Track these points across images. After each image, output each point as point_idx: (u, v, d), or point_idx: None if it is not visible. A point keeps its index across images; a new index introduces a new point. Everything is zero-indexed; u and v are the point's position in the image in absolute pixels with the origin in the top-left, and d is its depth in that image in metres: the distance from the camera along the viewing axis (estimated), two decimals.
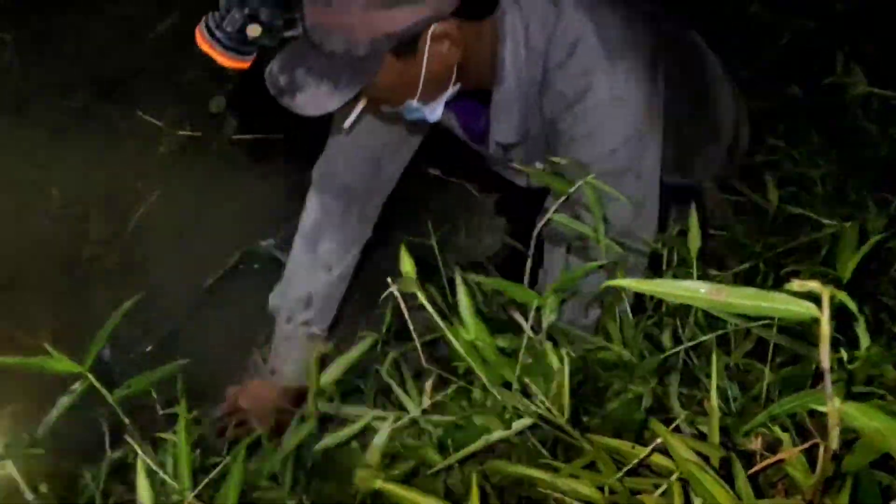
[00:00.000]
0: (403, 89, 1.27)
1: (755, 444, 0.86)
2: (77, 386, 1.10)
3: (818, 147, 1.59)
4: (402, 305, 0.95)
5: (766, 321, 1.02)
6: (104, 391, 1.07)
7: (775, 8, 1.94)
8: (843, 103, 1.62)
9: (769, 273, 1.32)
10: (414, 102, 1.30)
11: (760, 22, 1.94)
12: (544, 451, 0.86)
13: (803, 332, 1.07)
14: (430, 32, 1.19)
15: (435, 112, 1.34)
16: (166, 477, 0.96)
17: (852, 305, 0.48)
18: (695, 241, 1.21)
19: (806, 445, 0.66)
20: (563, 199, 1.10)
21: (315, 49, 1.18)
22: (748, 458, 0.78)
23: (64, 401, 1.13)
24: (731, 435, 0.89)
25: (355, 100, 1.24)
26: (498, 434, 0.80)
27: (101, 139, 2.20)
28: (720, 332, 1.05)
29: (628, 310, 1.21)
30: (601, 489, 0.69)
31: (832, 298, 0.43)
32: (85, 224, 2.07)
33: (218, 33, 1.17)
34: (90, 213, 2.08)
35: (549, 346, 0.96)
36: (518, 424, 0.79)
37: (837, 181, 1.54)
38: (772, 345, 1.02)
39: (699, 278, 1.16)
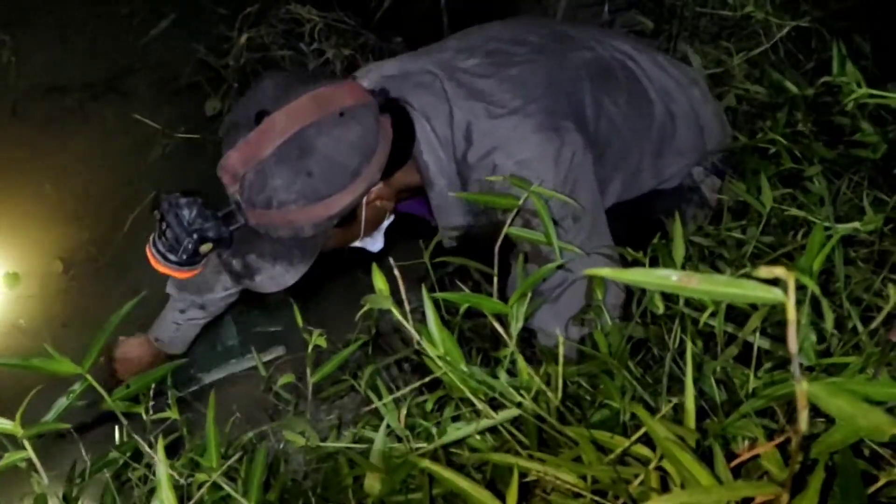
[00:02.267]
0: (347, 240, 1.40)
1: (741, 448, 0.88)
2: (76, 386, 1.12)
3: (814, 145, 1.59)
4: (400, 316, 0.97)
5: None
6: (103, 392, 1.08)
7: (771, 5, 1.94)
8: (839, 102, 1.63)
9: None
10: (357, 242, 1.42)
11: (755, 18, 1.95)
12: (525, 443, 0.87)
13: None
14: (364, 200, 1.29)
15: (376, 243, 1.46)
16: (195, 456, 0.97)
17: (814, 287, 0.49)
18: (679, 249, 1.23)
19: (780, 440, 0.67)
20: (515, 213, 1.13)
21: (262, 236, 1.25)
22: (734, 459, 0.79)
23: (62, 402, 1.15)
24: (714, 437, 0.90)
25: None
26: (485, 423, 0.81)
27: (96, 139, 2.24)
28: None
29: (609, 321, 1.23)
30: (584, 478, 0.70)
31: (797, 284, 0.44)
32: (80, 224, 2.08)
33: (172, 257, 1.24)
34: (85, 213, 2.10)
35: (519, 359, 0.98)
36: (505, 414, 0.80)
37: (832, 180, 1.55)
38: (755, 350, 1.03)
39: None
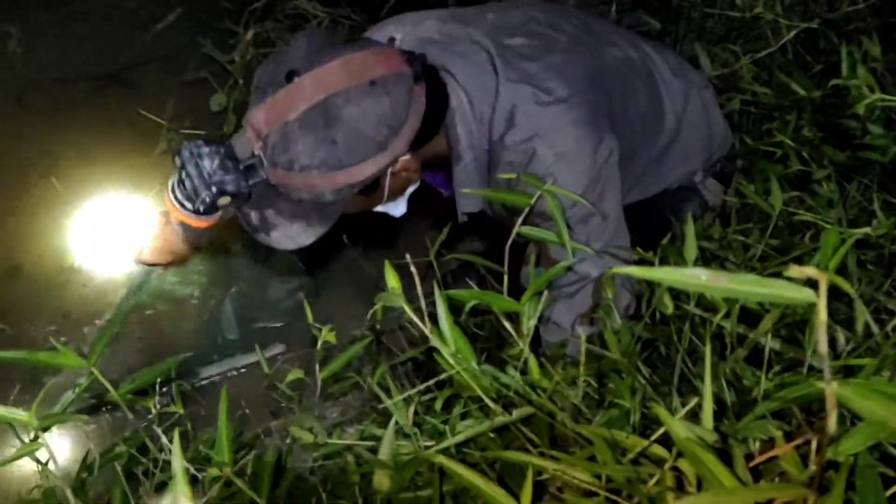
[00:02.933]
0: (369, 206, 1.38)
1: (754, 448, 0.87)
2: (83, 380, 1.11)
3: (822, 147, 1.59)
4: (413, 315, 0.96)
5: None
6: (108, 386, 1.08)
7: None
8: (848, 104, 1.62)
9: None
10: (379, 207, 1.40)
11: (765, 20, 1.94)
12: (536, 441, 0.87)
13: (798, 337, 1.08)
14: (389, 171, 1.25)
15: (399, 208, 1.43)
16: (207, 451, 0.96)
17: (849, 289, 0.48)
18: (692, 250, 1.22)
19: (798, 441, 0.66)
20: (526, 212, 1.13)
21: (282, 194, 1.23)
22: (749, 461, 0.79)
23: (69, 395, 1.14)
24: (730, 438, 0.89)
25: None
26: (500, 420, 0.81)
27: (101, 132, 2.22)
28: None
29: (618, 321, 1.23)
30: (598, 477, 0.70)
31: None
32: (84, 216, 2.07)
33: (189, 205, 1.22)
34: (89, 205, 2.09)
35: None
36: (520, 412, 0.80)
37: (841, 183, 1.55)
38: (766, 351, 1.03)
39: None
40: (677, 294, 1.21)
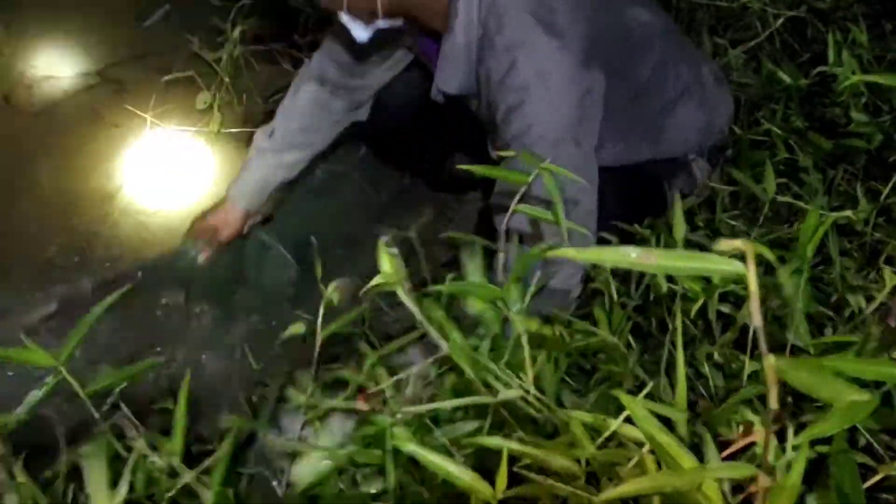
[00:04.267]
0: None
1: (736, 434, 0.86)
2: (50, 379, 1.09)
3: (810, 135, 1.58)
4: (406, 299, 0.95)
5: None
6: (76, 385, 1.06)
7: None
8: (833, 91, 1.61)
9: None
10: (343, 15, 1.42)
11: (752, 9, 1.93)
12: (519, 430, 0.85)
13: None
14: None
15: (361, 33, 1.45)
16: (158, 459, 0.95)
17: (772, 257, 0.47)
18: (680, 228, 1.21)
19: (776, 427, 0.65)
20: (522, 190, 1.10)
21: None
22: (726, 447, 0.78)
23: (36, 394, 1.12)
24: (712, 425, 0.88)
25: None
26: (481, 398, 0.79)
27: (87, 129, 2.22)
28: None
29: (615, 295, 1.21)
30: (579, 462, 0.69)
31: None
32: (68, 214, 2.06)
33: None
34: (74, 203, 2.08)
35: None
36: (504, 394, 0.78)
37: (828, 171, 1.54)
38: (750, 334, 1.02)
39: None
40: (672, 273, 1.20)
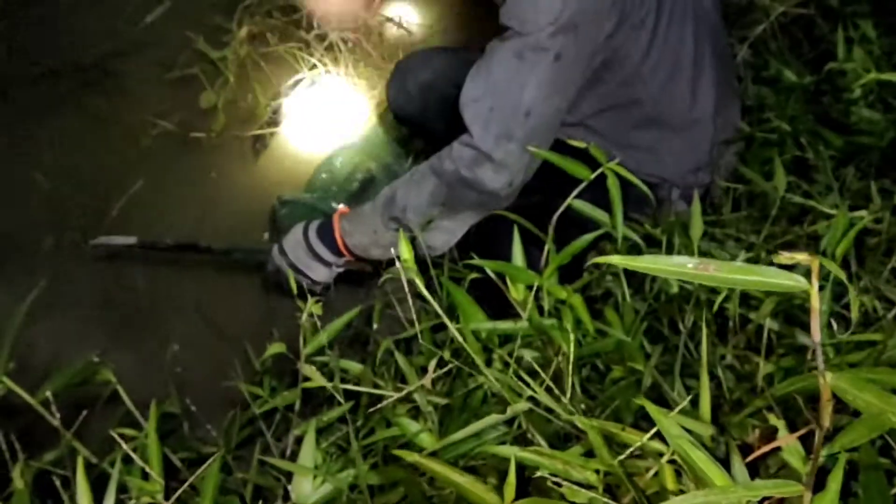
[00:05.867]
0: None
1: (753, 437, 0.85)
2: None
3: (821, 131, 1.57)
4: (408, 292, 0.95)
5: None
6: (24, 394, 1.05)
7: None
8: (845, 88, 1.60)
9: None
10: None
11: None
12: (541, 440, 0.85)
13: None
14: None
15: None
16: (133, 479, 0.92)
17: (841, 274, 0.47)
18: (697, 227, 1.21)
19: (802, 431, 0.65)
20: (584, 184, 1.10)
21: None
22: (748, 451, 0.77)
23: None
24: (729, 428, 0.88)
25: None
26: (494, 418, 0.79)
27: (87, 126, 2.20)
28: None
29: (627, 295, 1.20)
30: (597, 472, 0.68)
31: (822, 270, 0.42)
32: (67, 211, 2.06)
33: None
34: (72, 200, 2.08)
35: (552, 326, 0.95)
36: (514, 408, 0.78)
37: (838, 168, 1.53)
38: (766, 335, 1.02)
39: None
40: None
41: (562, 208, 1.10)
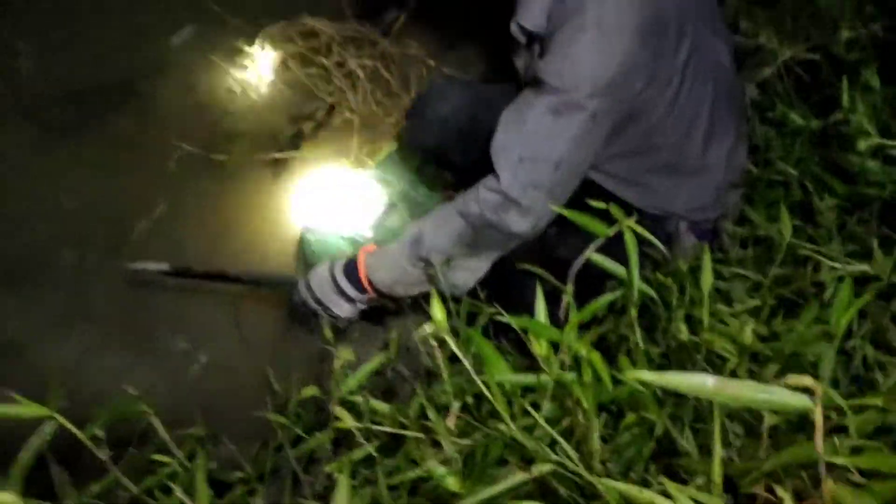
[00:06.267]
0: None
1: (757, 488, 0.91)
2: (47, 427, 1.12)
3: (826, 177, 1.63)
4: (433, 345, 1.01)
5: None
6: (74, 430, 1.10)
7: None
8: (849, 135, 1.66)
9: (778, 310, 1.36)
10: None
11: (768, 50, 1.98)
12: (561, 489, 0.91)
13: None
14: None
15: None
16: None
17: (842, 403, 0.53)
18: (708, 279, 1.26)
19: None
20: (600, 240, 1.16)
21: None
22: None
23: (34, 442, 1.15)
24: (734, 480, 0.94)
25: None
26: (519, 477, 0.85)
27: (110, 148, 2.27)
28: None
29: (640, 341, 1.26)
30: None
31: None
32: (88, 232, 2.13)
33: None
34: (95, 220, 2.15)
35: (574, 381, 1.00)
36: (539, 468, 0.84)
37: (843, 215, 1.58)
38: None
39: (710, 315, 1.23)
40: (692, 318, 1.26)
41: (580, 262, 1.16)
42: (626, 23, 1.37)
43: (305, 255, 2.02)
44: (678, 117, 1.55)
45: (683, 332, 1.23)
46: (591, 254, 1.17)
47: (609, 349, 1.39)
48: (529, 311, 1.20)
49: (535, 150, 1.42)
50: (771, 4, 1.96)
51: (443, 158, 2.02)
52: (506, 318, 1.06)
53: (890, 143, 1.28)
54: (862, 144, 1.42)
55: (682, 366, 1.24)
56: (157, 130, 2.28)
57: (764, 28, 1.93)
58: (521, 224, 1.47)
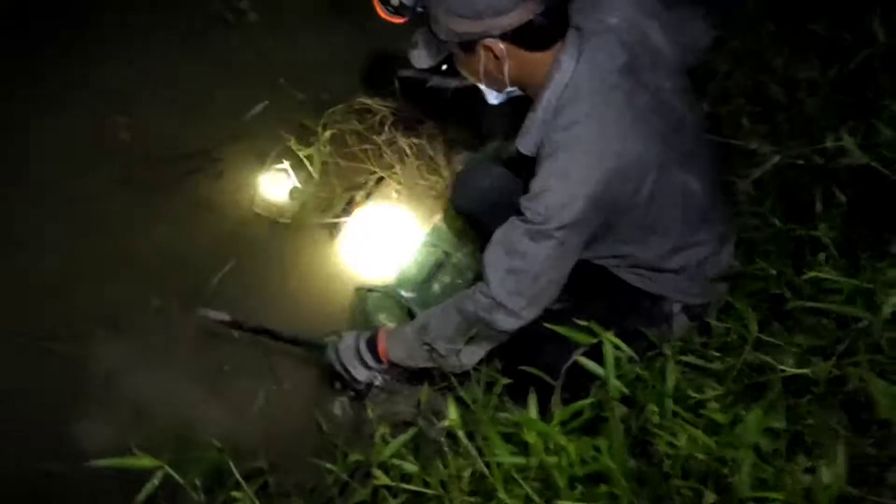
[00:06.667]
0: (474, 75, 1.77)
1: None
2: (156, 480, 1.37)
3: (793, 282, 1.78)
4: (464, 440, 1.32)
5: None
6: (181, 480, 1.36)
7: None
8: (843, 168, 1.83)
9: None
10: (482, 86, 1.80)
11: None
12: None
13: None
14: (481, 43, 1.66)
15: (493, 97, 1.83)
16: None
17: None
18: (672, 375, 1.51)
19: None
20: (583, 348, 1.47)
21: (426, 25, 1.72)
22: None
23: (148, 488, 1.39)
24: None
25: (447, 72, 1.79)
26: None
27: (190, 207, 2.62)
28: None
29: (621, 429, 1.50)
30: None
31: None
32: (170, 280, 2.46)
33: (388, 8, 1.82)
34: (175, 271, 2.48)
35: (555, 465, 1.29)
36: None
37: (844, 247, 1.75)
38: None
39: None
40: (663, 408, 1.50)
41: (569, 362, 1.47)
42: (590, 175, 1.63)
43: (361, 312, 2.34)
44: (644, 237, 1.83)
45: (655, 416, 1.48)
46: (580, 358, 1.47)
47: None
48: (546, 370, 1.55)
49: (517, 266, 1.72)
50: (765, 120, 2.20)
51: (482, 225, 2.29)
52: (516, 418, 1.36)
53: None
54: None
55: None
56: (231, 193, 2.64)
57: (756, 137, 2.17)
58: (507, 323, 1.77)
